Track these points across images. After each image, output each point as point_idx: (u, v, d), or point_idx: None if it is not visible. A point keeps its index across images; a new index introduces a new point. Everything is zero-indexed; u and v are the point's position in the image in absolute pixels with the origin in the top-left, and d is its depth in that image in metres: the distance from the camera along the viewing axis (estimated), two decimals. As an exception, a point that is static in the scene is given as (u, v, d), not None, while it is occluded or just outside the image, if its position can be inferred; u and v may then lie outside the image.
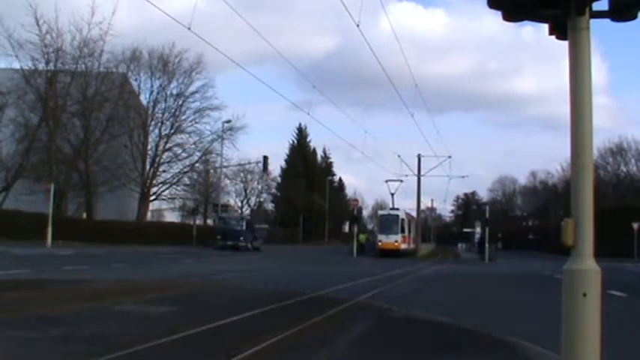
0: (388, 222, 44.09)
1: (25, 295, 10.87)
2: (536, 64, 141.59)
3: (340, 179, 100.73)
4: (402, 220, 44.25)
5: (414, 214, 54.63)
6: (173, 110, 53.65)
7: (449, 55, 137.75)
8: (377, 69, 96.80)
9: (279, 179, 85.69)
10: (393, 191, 48.03)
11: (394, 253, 41.32)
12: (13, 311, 8.84)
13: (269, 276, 18.71)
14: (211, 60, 52.64)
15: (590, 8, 3.80)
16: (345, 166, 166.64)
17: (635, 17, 3.84)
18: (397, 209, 46.75)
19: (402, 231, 43.73)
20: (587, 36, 3.78)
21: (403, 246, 43.59)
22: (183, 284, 14.67)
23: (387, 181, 48.83)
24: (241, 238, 45.47)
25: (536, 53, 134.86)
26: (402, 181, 49.10)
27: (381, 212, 48.85)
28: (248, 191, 79.53)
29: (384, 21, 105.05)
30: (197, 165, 58.02)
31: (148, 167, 53.23)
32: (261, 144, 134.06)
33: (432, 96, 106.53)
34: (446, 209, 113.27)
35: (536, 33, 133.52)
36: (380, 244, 43.16)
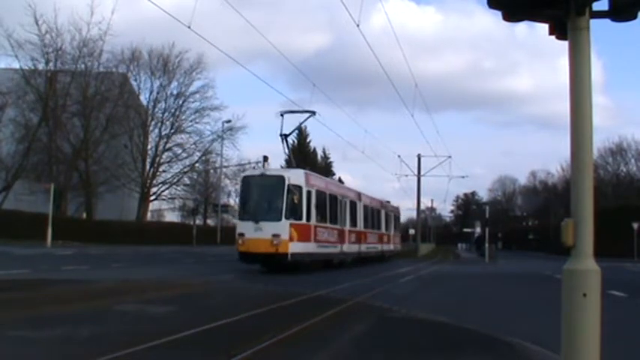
0: (259, 194, 21.29)
1: (25, 295, 10.87)
2: (531, 62, 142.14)
3: (340, 179, 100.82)
4: (294, 188, 20.56)
5: (396, 207, 40.08)
6: (173, 110, 53.71)
7: (443, 53, 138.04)
8: (370, 67, 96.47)
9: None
10: (286, 132, 23.82)
11: (270, 261, 20.33)
12: (13, 311, 8.85)
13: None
14: (205, 58, 52.46)
15: (590, 8, 3.80)
16: (343, 165, 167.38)
17: (635, 17, 3.85)
18: (296, 169, 22.88)
19: (294, 214, 20.44)
20: (587, 36, 3.78)
21: (296, 247, 20.24)
22: (183, 284, 14.68)
23: (282, 114, 23.50)
24: None
25: (531, 51, 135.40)
26: (313, 113, 24.20)
27: (246, 174, 23.84)
28: (248, 191, 79.36)
29: (376, 18, 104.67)
30: (197, 165, 58.08)
31: (148, 167, 53.24)
32: (262, 144, 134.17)
33: (427, 95, 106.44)
34: (446, 209, 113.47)
35: (530, 31, 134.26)
36: (240, 242, 20.34)
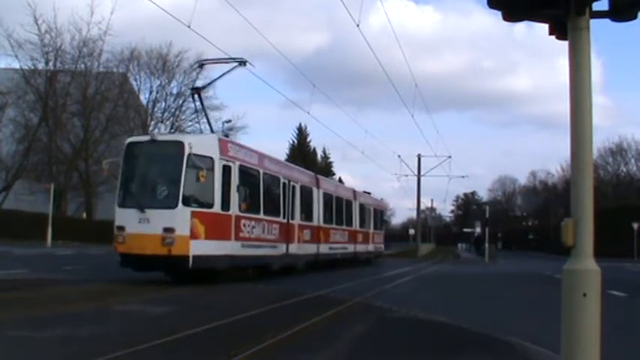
0: (147, 168, 15.19)
1: (25, 295, 10.88)
2: (530, 62, 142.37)
3: (340, 179, 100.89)
4: (199, 160, 14.08)
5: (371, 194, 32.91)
6: (173, 110, 53.69)
7: (442, 53, 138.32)
8: (370, 67, 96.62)
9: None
10: (199, 86, 20.36)
11: (162, 267, 14.49)
12: (13, 311, 8.85)
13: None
14: (205, 57, 52.56)
15: (590, 8, 3.81)
16: (343, 165, 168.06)
17: (635, 17, 3.85)
18: (207, 134, 18.38)
19: (200, 198, 14.32)
20: (587, 36, 3.79)
21: (202, 247, 13.95)
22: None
23: (200, 65, 21.74)
24: None
25: (531, 51, 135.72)
26: (243, 62, 17.50)
27: (131, 140, 16.10)
28: (248, 191, 79.30)
29: (375, 18, 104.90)
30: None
31: (148, 167, 53.16)
32: (262, 144, 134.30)
33: (427, 95, 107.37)
34: (446, 209, 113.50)
35: (529, 30, 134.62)
36: (120, 238, 14.40)
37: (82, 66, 46.05)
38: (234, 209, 15.17)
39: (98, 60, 46.77)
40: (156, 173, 15.07)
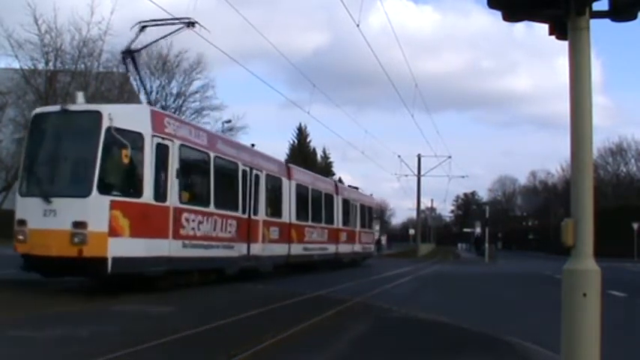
0: (55, 146, 11.84)
1: (25, 295, 10.87)
2: (530, 62, 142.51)
3: (340, 179, 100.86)
4: (122, 135, 11.07)
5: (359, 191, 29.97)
6: (173, 110, 53.66)
7: (441, 53, 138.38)
8: (370, 67, 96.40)
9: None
10: (132, 49, 14.78)
11: (72, 272, 11.81)
12: (13, 311, 8.84)
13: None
14: (205, 57, 52.61)
15: (590, 8, 3.81)
16: (342, 165, 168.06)
17: (635, 17, 3.85)
18: (136, 104, 18.14)
19: (124, 185, 11.47)
20: (587, 36, 3.79)
21: (126, 247, 11.02)
22: (181, 283, 14.64)
23: (142, 28, 14.35)
24: None
25: (530, 51, 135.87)
26: (192, 24, 14.30)
27: (38, 111, 12.91)
28: (248, 191, 79.25)
29: (375, 18, 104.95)
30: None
31: (148, 167, 53.12)
32: (262, 144, 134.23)
33: (427, 95, 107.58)
34: (446, 209, 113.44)
35: (528, 30, 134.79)
36: (21, 236, 11.12)
37: (82, 66, 46.04)
38: (172, 200, 12.32)
39: (98, 60, 46.67)
40: (66, 152, 11.81)
